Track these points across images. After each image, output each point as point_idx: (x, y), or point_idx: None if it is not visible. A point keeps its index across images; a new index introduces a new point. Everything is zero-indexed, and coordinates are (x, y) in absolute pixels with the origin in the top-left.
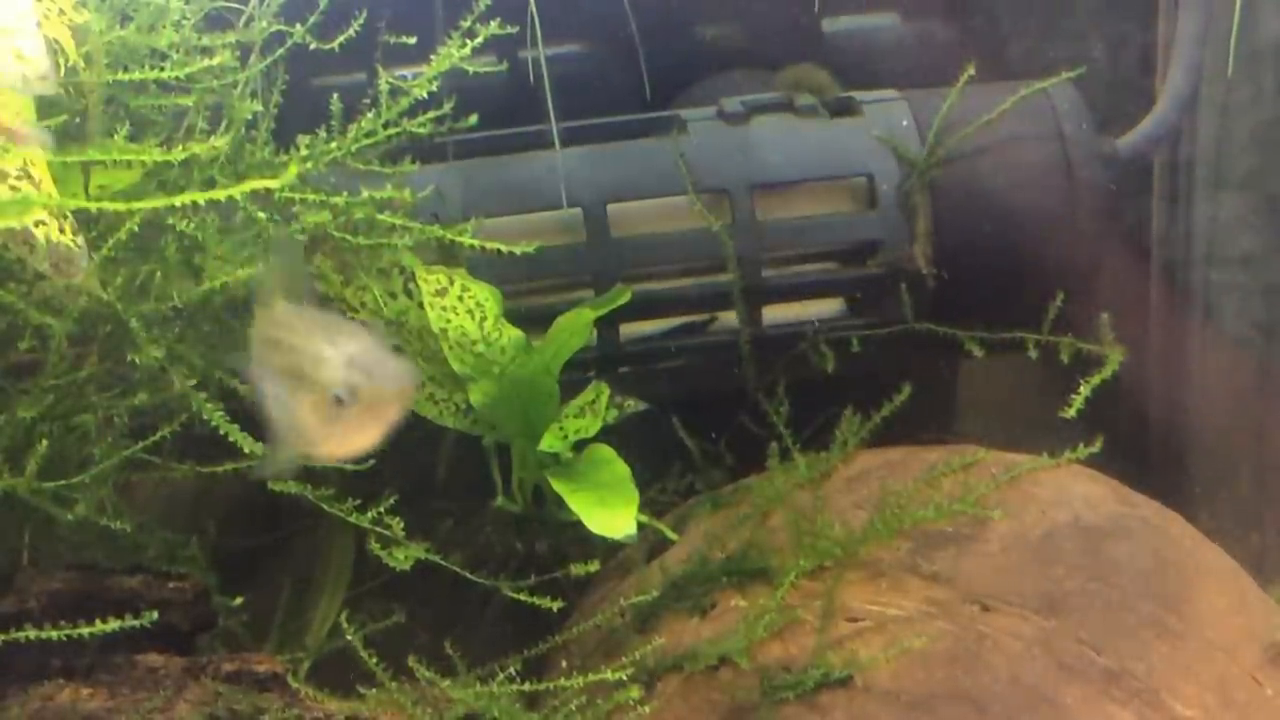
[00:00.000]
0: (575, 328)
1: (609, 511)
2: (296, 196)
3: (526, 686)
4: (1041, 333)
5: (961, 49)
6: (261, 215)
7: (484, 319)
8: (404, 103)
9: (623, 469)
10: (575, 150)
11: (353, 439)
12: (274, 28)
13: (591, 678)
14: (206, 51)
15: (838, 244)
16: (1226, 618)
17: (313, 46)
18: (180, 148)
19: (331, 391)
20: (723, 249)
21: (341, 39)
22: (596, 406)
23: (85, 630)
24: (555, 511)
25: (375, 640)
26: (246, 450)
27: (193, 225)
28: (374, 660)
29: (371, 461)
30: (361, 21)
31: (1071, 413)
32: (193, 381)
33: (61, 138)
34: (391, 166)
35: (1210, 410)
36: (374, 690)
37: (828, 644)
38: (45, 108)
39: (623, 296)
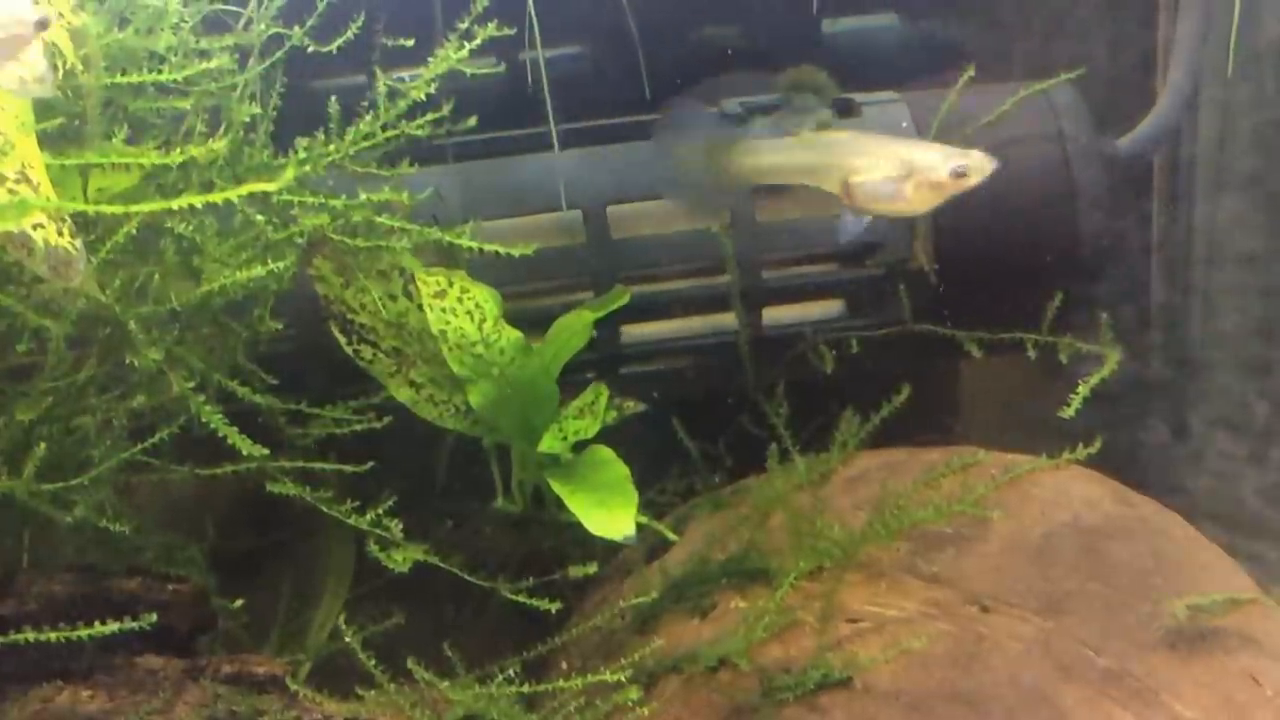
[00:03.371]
0: (575, 329)
1: (608, 512)
2: (295, 199)
3: (526, 688)
4: (1041, 333)
5: (962, 49)
6: (260, 218)
7: (483, 321)
8: (402, 105)
9: (622, 470)
10: (575, 152)
11: None
12: (272, 30)
13: (591, 679)
14: (204, 54)
15: (837, 245)
16: None
17: (311, 49)
18: (178, 151)
19: None
20: (722, 250)
21: (339, 41)
22: (595, 408)
23: (84, 632)
24: (555, 512)
25: (374, 642)
26: (245, 452)
27: (191, 228)
28: (373, 662)
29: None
30: (360, 24)
31: (1070, 412)
32: (191, 384)
33: (60, 140)
34: (390, 169)
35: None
36: (373, 692)
37: (827, 645)
38: (43, 110)
39: (622, 297)
